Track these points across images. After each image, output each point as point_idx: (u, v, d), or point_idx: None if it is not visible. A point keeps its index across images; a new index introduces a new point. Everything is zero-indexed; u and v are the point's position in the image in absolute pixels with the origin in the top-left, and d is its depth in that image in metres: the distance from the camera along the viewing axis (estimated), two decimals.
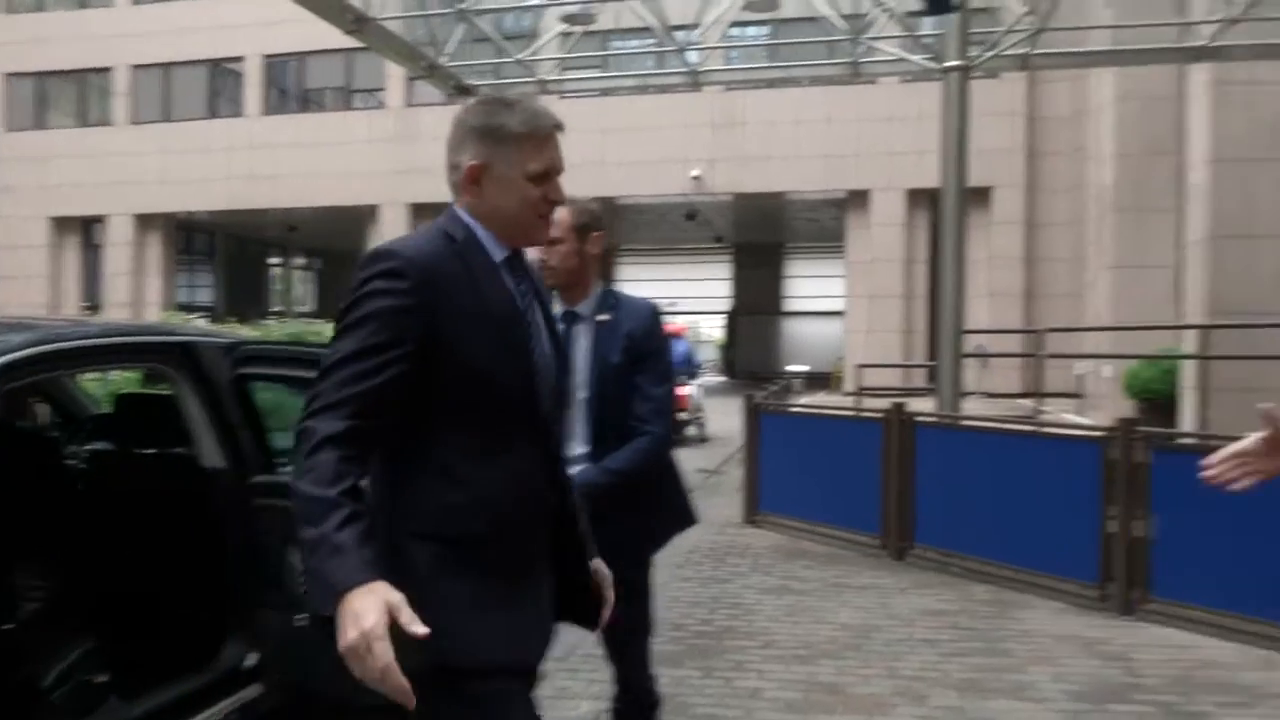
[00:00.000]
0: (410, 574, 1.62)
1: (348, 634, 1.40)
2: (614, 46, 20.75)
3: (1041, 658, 4.71)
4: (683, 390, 13.08)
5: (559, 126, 1.85)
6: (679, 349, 13.72)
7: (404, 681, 1.41)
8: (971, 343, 11.50)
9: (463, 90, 10.42)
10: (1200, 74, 11.31)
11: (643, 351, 2.69)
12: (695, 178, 23.00)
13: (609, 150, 22.65)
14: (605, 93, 19.80)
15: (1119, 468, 5.27)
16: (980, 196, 21.43)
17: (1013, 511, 5.82)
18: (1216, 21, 9.16)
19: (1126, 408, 14.13)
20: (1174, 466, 5.07)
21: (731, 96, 22.72)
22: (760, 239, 33.31)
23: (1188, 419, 11.22)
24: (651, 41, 10.22)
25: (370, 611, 1.40)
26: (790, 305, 35.79)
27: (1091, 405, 16.81)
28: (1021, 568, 5.78)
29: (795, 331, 34.79)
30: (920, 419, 6.46)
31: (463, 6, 9.79)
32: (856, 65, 9.74)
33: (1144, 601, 5.27)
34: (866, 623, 5.26)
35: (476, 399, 1.74)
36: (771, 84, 17.97)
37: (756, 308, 34.74)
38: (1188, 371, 11.45)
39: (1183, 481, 4.96)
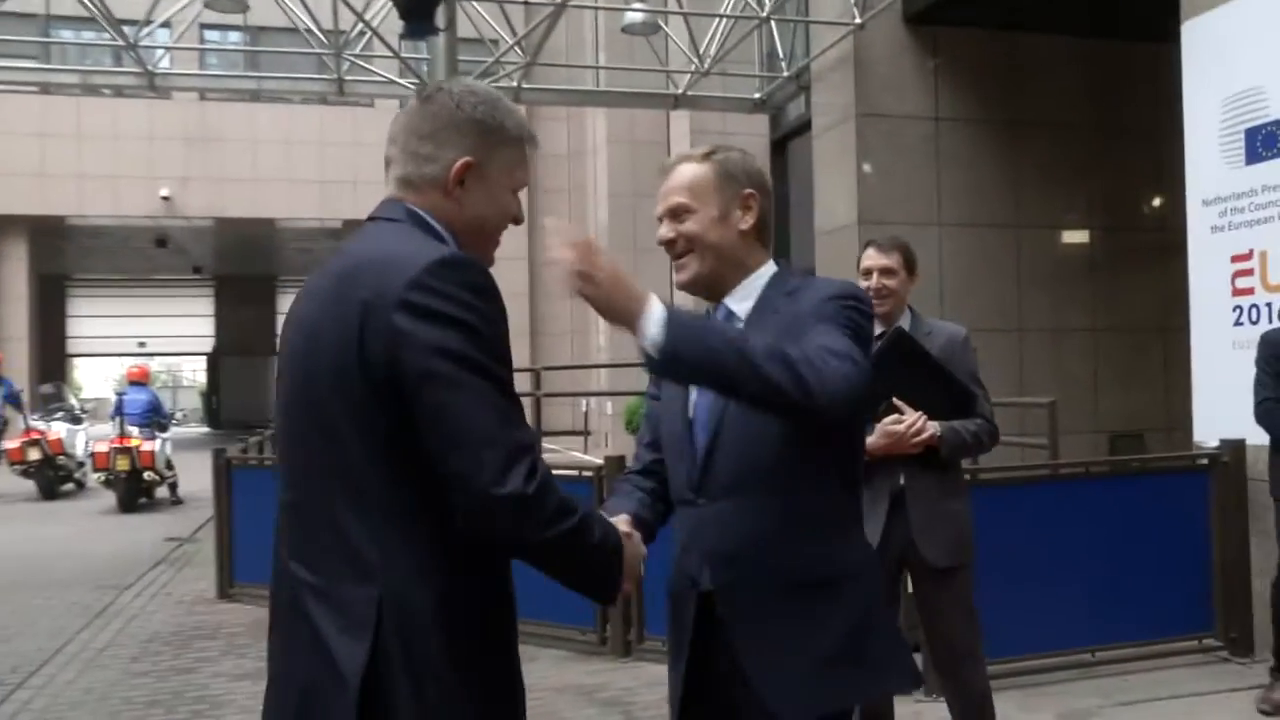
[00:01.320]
0: None
1: None
2: (58, 35, 18.71)
3: (545, 712, 4.83)
4: (147, 445, 11.92)
5: (535, 141, 1.75)
6: (141, 398, 12.51)
7: None
8: None
9: None
10: (681, 122, 12.78)
11: None
12: (165, 198, 21.30)
13: (52, 159, 20.28)
14: (45, 89, 17.72)
15: None
16: None
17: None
18: (689, 72, 10.34)
19: (629, 443, 15.45)
20: None
21: (208, 108, 21.42)
22: (248, 270, 31.71)
23: None
24: (107, 35, 9.25)
25: None
26: None
27: (595, 443, 18.12)
28: (526, 618, 5.92)
29: None
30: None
31: None
32: (341, 84, 9.62)
33: (640, 641, 5.64)
34: None
35: None
36: (255, 97, 17.25)
37: (245, 348, 32.92)
38: None
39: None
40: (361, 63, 9.94)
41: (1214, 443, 5.21)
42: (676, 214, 2.05)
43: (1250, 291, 5.23)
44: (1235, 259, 5.31)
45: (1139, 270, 9.00)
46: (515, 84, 10.07)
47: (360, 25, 9.01)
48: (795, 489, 1.95)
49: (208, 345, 34.09)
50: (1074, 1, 8.43)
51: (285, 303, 34.46)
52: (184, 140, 21.40)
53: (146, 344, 30.65)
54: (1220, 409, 5.24)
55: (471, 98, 1.67)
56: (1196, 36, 5.65)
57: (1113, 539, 4.96)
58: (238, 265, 30.64)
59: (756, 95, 10.74)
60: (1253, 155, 5.24)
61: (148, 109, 20.83)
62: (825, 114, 9.16)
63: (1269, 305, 5.12)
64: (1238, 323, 5.27)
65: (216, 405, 33.29)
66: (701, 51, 10.13)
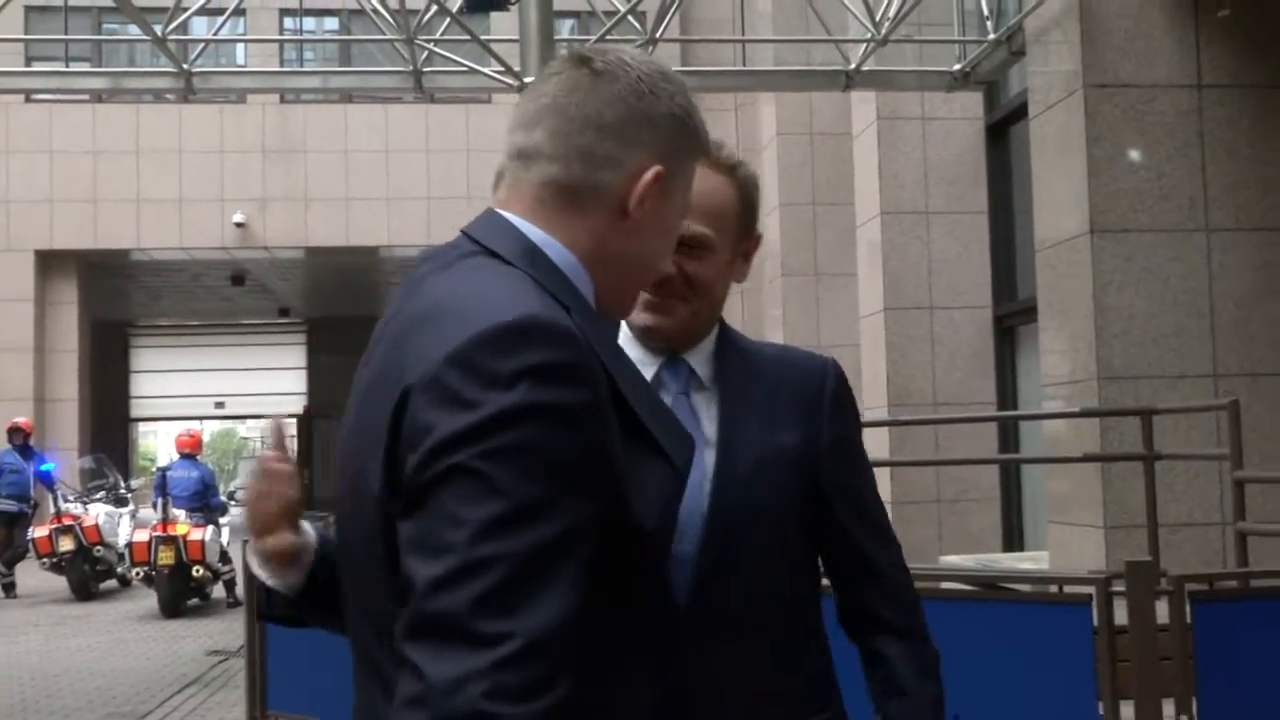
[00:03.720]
0: None
1: None
2: (107, 31, 19.97)
3: None
4: (196, 534, 12.36)
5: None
6: (191, 474, 13.01)
7: None
8: None
9: None
10: (865, 107, 12.54)
11: None
12: (239, 225, 22.34)
13: (105, 182, 21.60)
14: (97, 97, 18.91)
15: None
16: None
17: None
18: (864, 41, 10.13)
19: None
20: None
21: (288, 113, 22.41)
22: (345, 311, 32.86)
23: None
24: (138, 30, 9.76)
25: None
26: None
27: None
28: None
29: None
30: None
31: None
32: (419, 76, 9.80)
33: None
34: None
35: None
36: (348, 99, 17.93)
37: (343, 407, 33.97)
38: None
39: None
40: (441, 50, 10.11)
41: None
42: (693, 247, 1.87)
43: None
44: None
45: None
46: None
47: (433, 4, 9.19)
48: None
49: (299, 404, 35.44)
50: None
51: None
52: (261, 152, 22.41)
53: (225, 404, 32.05)
54: None
55: (664, 83, 1.48)
56: None
57: None
58: (333, 305, 31.80)
59: (956, 67, 10.43)
60: None
61: (217, 117, 21.95)
62: (1044, 87, 8.80)
63: None
64: None
65: (309, 479, 34.47)
66: (879, 15, 9.91)
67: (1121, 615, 4.57)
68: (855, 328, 13.23)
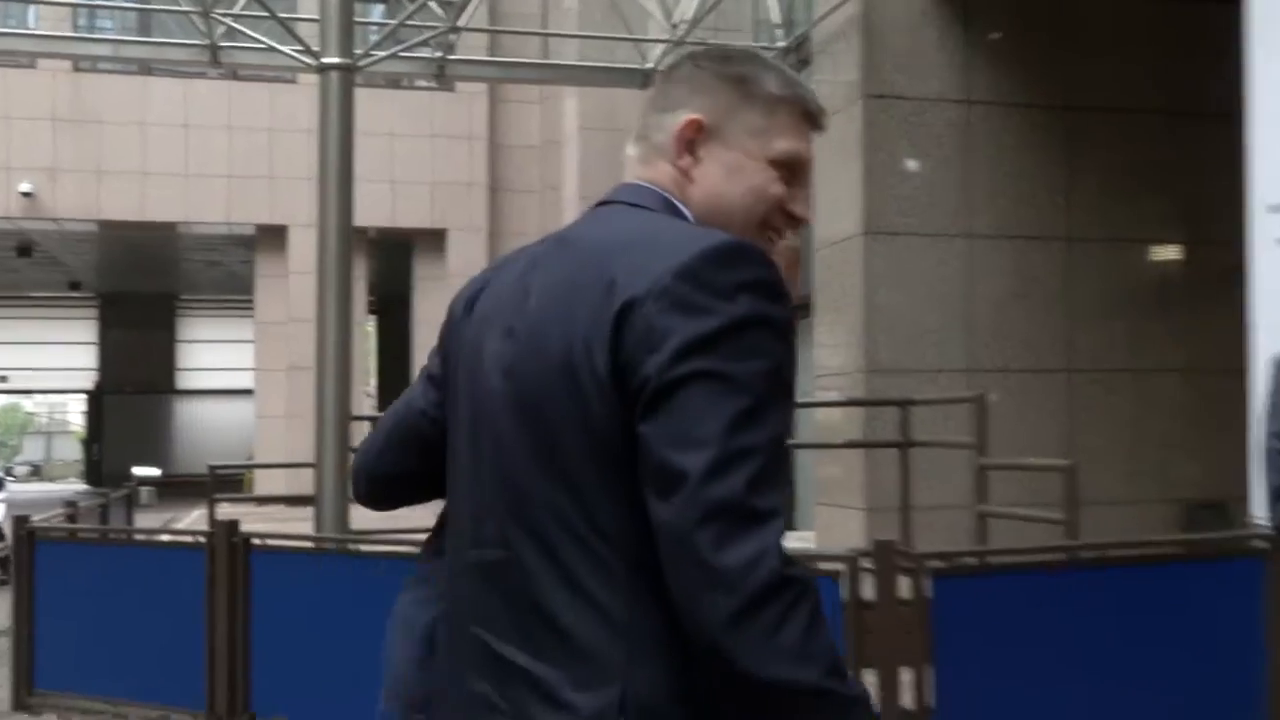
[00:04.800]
0: None
1: None
2: None
3: None
4: None
5: (824, 116, 1.70)
6: None
7: None
8: None
9: None
10: None
11: None
12: (26, 194, 21.34)
13: None
14: None
15: None
16: (431, 240, 22.28)
17: None
18: (662, 42, 10.32)
19: None
20: None
21: (81, 81, 21.49)
22: (140, 287, 31.79)
23: None
24: None
25: None
26: (186, 380, 34.48)
27: None
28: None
29: (194, 416, 33.52)
30: (261, 543, 6.35)
31: None
32: (215, 51, 9.58)
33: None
34: None
35: None
36: (126, 68, 17.27)
37: (136, 383, 33.00)
38: None
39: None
40: (240, 27, 9.91)
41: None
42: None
43: None
44: None
45: (1223, 295, 8.81)
46: (438, 54, 10.06)
47: None
48: None
49: (89, 379, 34.15)
50: None
51: (188, 327, 34.56)
52: (51, 120, 21.44)
53: (9, 378, 30.69)
54: None
55: (719, 55, 1.68)
56: None
57: (1138, 637, 4.81)
58: (127, 280, 30.73)
59: None
60: None
61: (2, 81, 20.90)
62: (828, 95, 9.02)
63: None
64: None
65: (98, 454, 33.24)
66: (676, 18, 10.11)
67: (871, 591, 4.84)
68: None
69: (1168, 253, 9.35)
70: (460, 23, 10.04)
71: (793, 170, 1.66)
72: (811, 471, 9.69)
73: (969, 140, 8.66)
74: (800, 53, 10.06)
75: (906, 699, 4.76)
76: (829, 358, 8.83)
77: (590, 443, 1.43)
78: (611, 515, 1.42)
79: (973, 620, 4.76)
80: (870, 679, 4.81)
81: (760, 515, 1.33)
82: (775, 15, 10.29)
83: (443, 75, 10.34)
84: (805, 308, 10.44)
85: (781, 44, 10.28)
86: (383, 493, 1.92)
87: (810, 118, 1.68)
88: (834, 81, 8.94)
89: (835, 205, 8.78)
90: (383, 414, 2.09)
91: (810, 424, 9.80)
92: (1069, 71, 8.83)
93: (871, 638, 4.76)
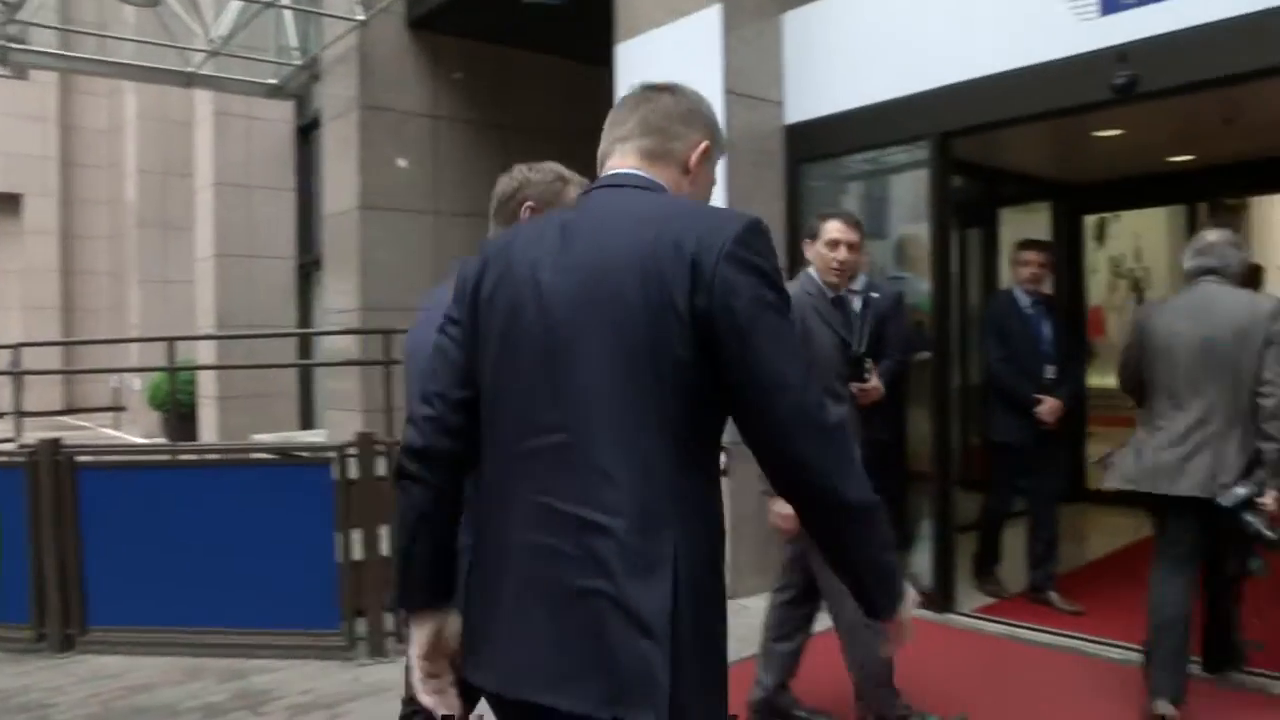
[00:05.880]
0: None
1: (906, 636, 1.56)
2: None
3: None
4: None
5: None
6: None
7: None
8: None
9: None
10: (207, 104, 11.39)
11: None
12: None
13: None
14: None
15: (44, 493, 4.65)
16: (8, 204, 19.05)
17: None
18: (202, 51, 9.14)
19: (155, 420, 13.70)
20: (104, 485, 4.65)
21: None
22: None
23: (208, 428, 11.20)
24: None
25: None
26: None
27: (129, 419, 15.97)
28: None
29: None
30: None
31: None
32: None
33: (83, 634, 4.73)
34: None
35: None
36: None
37: None
38: (204, 382, 11.43)
39: (112, 499, 4.61)
40: None
41: None
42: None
43: None
44: None
45: None
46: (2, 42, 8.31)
47: None
48: None
49: None
50: (547, 26, 8.39)
51: None
52: None
53: None
54: None
55: (702, 100, 1.68)
56: (626, 59, 5.74)
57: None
58: None
59: (273, 80, 9.74)
60: None
61: None
62: (333, 104, 8.49)
63: None
64: None
65: None
66: (213, 34, 8.97)
67: (355, 471, 4.57)
68: (194, 269, 12.13)
69: None
70: (23, 17, 8.36)
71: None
72: (324, 384, 9.16)
73: (437, 144, 8.46)
74: (312, 69, 9.31)
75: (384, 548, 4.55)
76: (336, 299, 8.34)
77: (664, 357, 1.38)
78: (670, 406, 1.39)
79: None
80: (356, 536, 4.57)
81: (831, 397, 1.75)
82: (293, 40, 9.43)
83: (7, 62, 8.59)
84: (317, 262, 9.80)
85: (298, 62, 9.46)
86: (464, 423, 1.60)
87: (721, 149, 1.73)
88: (338, 95, 8.38)
89: (339, 187, 8.32)
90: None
91: (322, 348, 9.25)
92: (507, 99, 8.83)
93: (356, 505, 4.50)
